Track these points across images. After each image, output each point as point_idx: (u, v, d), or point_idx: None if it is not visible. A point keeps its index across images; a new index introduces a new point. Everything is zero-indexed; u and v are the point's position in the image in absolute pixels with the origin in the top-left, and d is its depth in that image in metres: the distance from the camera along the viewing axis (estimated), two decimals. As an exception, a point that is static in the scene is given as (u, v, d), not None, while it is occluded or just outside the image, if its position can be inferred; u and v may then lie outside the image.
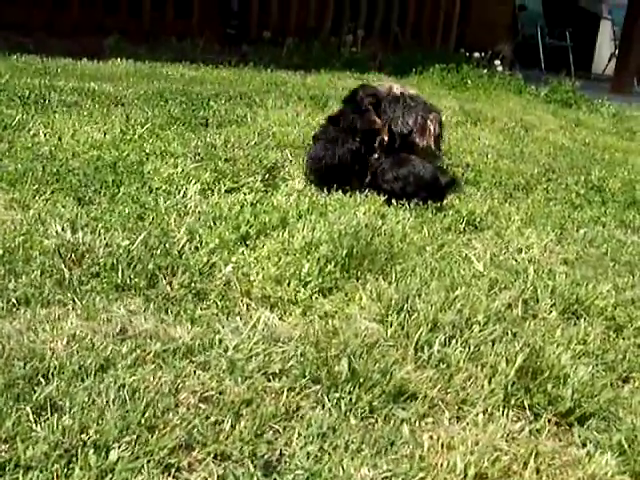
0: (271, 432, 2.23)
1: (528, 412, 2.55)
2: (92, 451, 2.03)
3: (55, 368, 2.34)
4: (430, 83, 9.27)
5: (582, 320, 3.24)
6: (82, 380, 2.31)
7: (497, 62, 10.62)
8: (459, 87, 9.33)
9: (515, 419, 2.50)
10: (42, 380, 2.28)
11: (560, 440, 2.47)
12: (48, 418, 2.12)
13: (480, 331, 2.89)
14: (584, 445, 2.45)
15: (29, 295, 2.75)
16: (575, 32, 15.13)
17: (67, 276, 2.88)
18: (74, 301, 2.74)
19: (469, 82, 9.54)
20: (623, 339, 3.18)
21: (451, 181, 4.46)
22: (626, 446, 2.45)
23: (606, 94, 11.37)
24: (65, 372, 2.33)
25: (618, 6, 15.33)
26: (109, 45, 7.80)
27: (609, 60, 15.86)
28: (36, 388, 2.24)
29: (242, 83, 7.07)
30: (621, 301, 3.50)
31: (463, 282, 3.32)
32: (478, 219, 4.20)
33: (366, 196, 4.22)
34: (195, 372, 2.42)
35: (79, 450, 2.03)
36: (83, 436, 2.08)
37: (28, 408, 2.14)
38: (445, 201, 4.38)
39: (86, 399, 2.22)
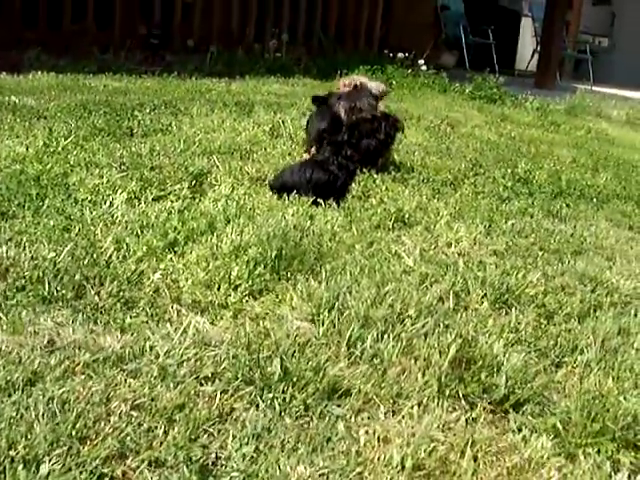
0: (205, 436, 2.21)
1: (463, 402, 2.56)
2: (21, 466, 1.99)
3: (-20, 390, 2.29)
4: (356, 85, 9.29)
5: (513, 309, 3.27)
6: (9, 395, 2.26)
7: (421, 62, 10.72)
8: (384, 88, 9.38)
9: (450, 409, 2.51)
10: (-34, 400, 2.23)
11: (496, 427, 2.49)
12: (-25, 438, 2.08)
13: (412, 325, 2.90)
14: (520, 430, 2.47)
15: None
16: (497, 30, 15.34)
17: (-9, 292, 2.82)
18: (-1, 316, 2.68)
19: (394, 82, 9.60)
20: (554, 325, 3.22)
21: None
22: (561, 428, 2.48)
23: (530, 89, 11.55)
24: (-9, 391, 2.28)
25: (537, 3, 15.59)
26: (29, 58, 7.67)
27: (532, 56, 16.12)
28: (-40, 407, 2.19)
29: (166, 92, 7.02)
30: (551, 288, 3.55)
31: (393, 278, 3.33)
32: (407, 215, 4.21)
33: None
34: (126, 380, 2.39)
35: (7, 466, 1.98)
36: (11, 452, 2.03)
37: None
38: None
39: (14, 414, 2.17)
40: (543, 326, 3.20)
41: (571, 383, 2.81)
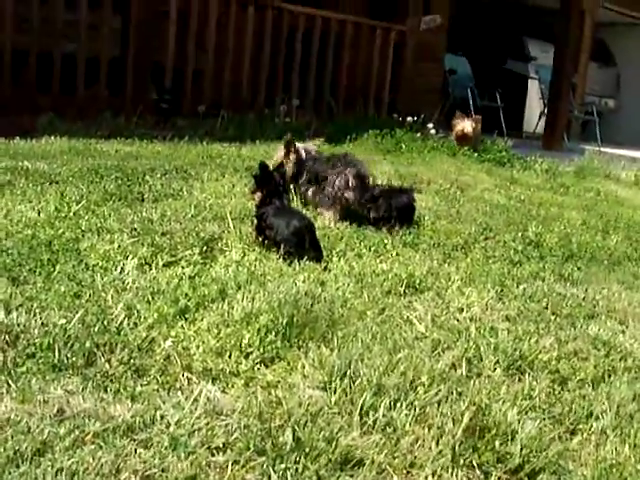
0: (217, 507, 2.19)
1: (477, 471, 2.53)
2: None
3: (-9, 450, 2.27)
4: (365, 149, 9.34)
5: (527, 375, 3.25)
6: (17, 466, 2.24)
7: (430, 125, 10.78)
8: (394, 151, 9.42)
9: (465, 479, 2.47)
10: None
11: (511, 500, 2.45)
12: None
13: (425, 392, 2.88)
14: (536, 503, 2.44)
15: (-37, 380, 2.68)
16: (505, 93, 15.47)
17: (1, 358, 2.81)
18: (9, 384, 2.67)
19: (403, 146, 9.64)
20: (568, 391, 3.20)
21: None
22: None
23: (538, 151, 11.60)
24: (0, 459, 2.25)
25: (544, 66, 15.74)
26: (42, 123, 7.74)
27: (539, 118, 16.22)
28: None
29: (177, 157, 7.05)
30: (564, 354, 3.53)
31: (405, 344, 3.31)
32: (418, 281, 4.20)
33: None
34: (136, 450, 2.36)
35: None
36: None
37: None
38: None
39: (21, 485, 2.15)
40: (557, 392, 3.18)
41: (587, 451, 2.78)
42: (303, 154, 5.74)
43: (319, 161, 5.74)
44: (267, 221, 4.43)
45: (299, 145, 5.85)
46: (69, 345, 2.93)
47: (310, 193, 5.61)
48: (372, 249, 4.71)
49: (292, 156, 5.69)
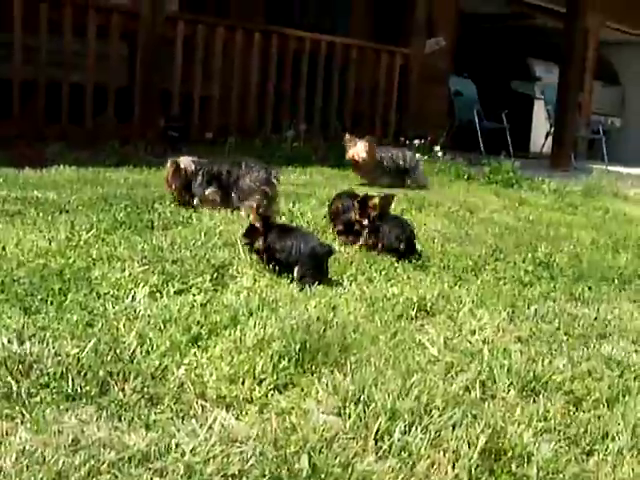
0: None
1: (494, 504, 2.52)
2: None
3: (4, 486, 2.27)
4: (373, 172, 9.36)
5: (541, 396, 3.23)
6: (32, 500, 2.24)
7: (437, 148, 10.81)
8: (402, 175, 9.44)
9: (484, 508, 2.47)
10: (-9, 500, 2.21)
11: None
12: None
13: (439, 416, 2.87)
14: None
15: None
16: (511, 114, 15.51)
17: (15, 389, 2.81)
18: (23, 414, 2.66)
19: (410, 169, 9.65)
20: (583, 412, 3.18)
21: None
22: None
23: (545, 171, 11.62)
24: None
25: (549, 86, 15.79)
26: (52, 153, 7.79)
27: (545, 138, 16.25)
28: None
29: (186, 183, 7.08)
30: (578, 374, 3.51)
31: (419, 368, 3.30)
32: (429, 304, 4.20)
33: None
34: (152, 479, 2.36)
35: None
36: None
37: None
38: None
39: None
40: (572, 413, 3.15)
41: (604, 472, 2.76)
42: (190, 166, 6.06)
43: (213, 165, 6.18)
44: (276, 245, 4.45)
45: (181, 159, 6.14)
46: (82, 374, 2.93)
47: (209, 191, 6.03)
48: (383, 273, 4.71)
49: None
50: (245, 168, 6.11)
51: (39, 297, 3.65)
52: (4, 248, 4.31)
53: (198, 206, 5.98)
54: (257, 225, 4.53)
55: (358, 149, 8.23)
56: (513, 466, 2.63)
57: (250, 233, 4.58)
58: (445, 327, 3.94)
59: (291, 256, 4.35)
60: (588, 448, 2.91)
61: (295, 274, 4.30)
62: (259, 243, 4.50)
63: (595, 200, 9.71)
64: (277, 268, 4.40)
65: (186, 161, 6.03)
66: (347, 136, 8.45)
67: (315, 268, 4.33)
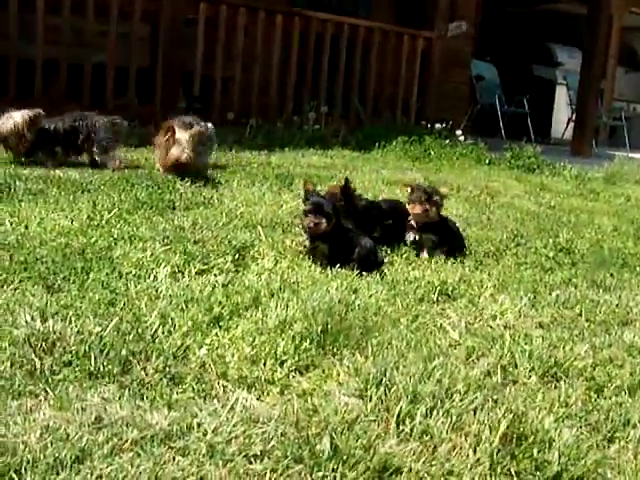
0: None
1: (516, 479, 2.51)
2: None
3: (28, 462, 2.27)
4: (393, 156, 9.34)
5: (562, 382, 3.22)
6: (57, 473, 2.25)
7: (458, 132, 10.76)
8: (422, 158, 9.42)
9: (503, 487, 2.46)
10: (15, 476, 2.21)
11: (550, 508, 2.43)
12: None
13: (461, 400, 2.86)
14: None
15: (-1, 384, 2.70)
16: (532, 99, 15.42)
17: (38, 366, 2.82)
18: (46, 391, 2.68)
19: (432, 153, 9.62)
20: (605, 399, 3.16)
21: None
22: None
23: (567, 157, 11.54)
24: (39, 466, 2.26)
25: (572, 72, 15.67)
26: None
27: (567, 124, 16.15)
28: (8, 484, 2.18)
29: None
30: (599, 361, 3.50)
31: (440, 352, 3.30)
32: (451, 288, 4.19)
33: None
34: (174, 458, 2.36)
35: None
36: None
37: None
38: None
39: (63, 493, 2.16)
40: (593, 400, 3.14)
41: (625, 459, 2.75)
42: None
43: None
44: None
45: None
46: (105, 353, 2.94)
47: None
48: (404, 257, 4.71)
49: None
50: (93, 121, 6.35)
51: (62, 276, 3.67)
52: (27, 227, 4.33)
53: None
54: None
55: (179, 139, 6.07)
56: (534, 451, 2.62)
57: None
58: (466, 311, 3.93)
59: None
60: (609, 435, 2.90)
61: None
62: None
63: (617, 187, 9.64)
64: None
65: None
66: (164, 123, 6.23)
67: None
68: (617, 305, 4.38)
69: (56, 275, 3.66)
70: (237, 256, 4.25)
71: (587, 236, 6.10)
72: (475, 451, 2.58)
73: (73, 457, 2.32)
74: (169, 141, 5.95)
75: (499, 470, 2.52)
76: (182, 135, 5.95)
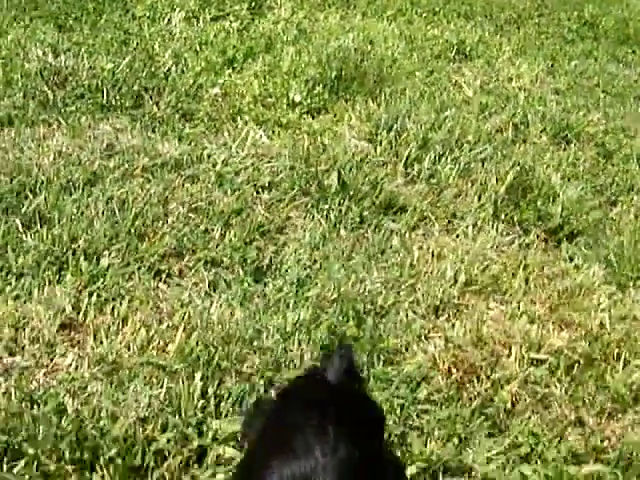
0: (262, 241, 2.24)
1: (517, 227, 2.56)
2: (83, 258, 2.03)
3: (42, 183, 2.32)
4: None
5: (572, 145, 3.23)
6: (70, 194, 2.30)
7: None
8: None
9: (505, 233, 2.50)
10: (29, 194, 2.26)
11: (549, 254, 2.48)
12: (38, 230, 2.12)
13: (470, 150, 2.88)
14: (572, 259, 2.47)
15: (12, 116, 2.71)
16: None
17: (51, 97, 2.84)
18: (59, 121, 2.70)
19: None
20: (612, 165, 3.18)
21: None
22: (614, 260, 2.47)
23: None
24: (53, 186, 2.31)
25: None
26: None
27: None
28: (24, 202, 2.22)
29: None
30: (611, 129, 3.49)
31: (453, 105, 3.28)
32: (468, 48, 4.12)
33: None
34: (184, 185, 2.41)
35: (69, 258, 2.03)
36: (73, 245, 2.07)
37: (17, 220, 2.13)
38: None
39: (75, 211, 2.21)
40: (601, 164, 3.16)
41: (625, 221, 2.78)
42: None
43: None
44: None
45: None
46: (117, 88, 2.94)
47: None
48: (423, 16, 4.60)
49: None
50: None
51: (73, 16, 3.62)
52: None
53: None
54: None
55: None
56: (538, 203, 2.66)
57: None
58: (482, 71, 3.88)
59: None
60: (613, 198, 2.94)
61: None
62: None
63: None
64: None
65: None
66: None
67: None
68: (635, 81, 4.32)
69: (68, 15, 3.62)
70: (253, 4, 4.15)
71: (614, 13, 5.90)
72: (480, 197, 2.62)
73: (85, 180, 2.36)
74: None
75: (502, 217, 2.57)
76: None
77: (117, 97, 2.89)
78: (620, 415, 1.89)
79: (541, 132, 3.26)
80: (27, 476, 1.46)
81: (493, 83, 3.73)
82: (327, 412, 1.16)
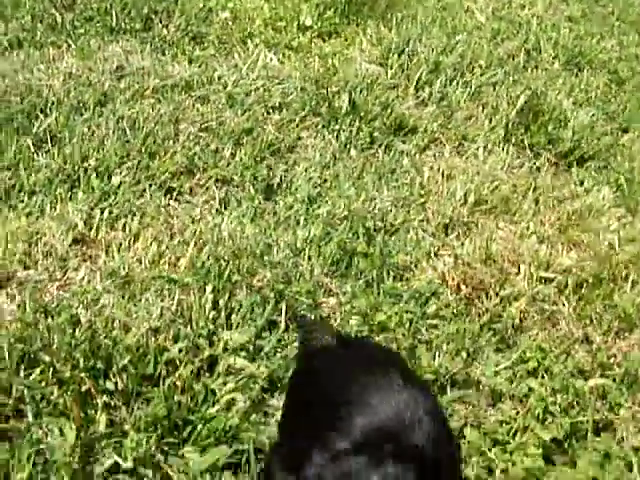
0: (272, 159, 2.24)
1: (528, 151, 2.55)
2: (94, 176, 2.04)
3: (53, 103, 2.31)
4: None
5: (585, 71, 3.20)
6: (81, 114, 2.30)
7: None
8: None
9: (515, 156, 2.50)
10: (40, 114, 2.26)
11: (559, 178, 2.48)
12: (49, 149, 2.12)
13: (481, 74, 2.86)
14: (582, 183, 2.47)
15: (21, 38, 2.70)
16: None
17: (59, 20, 2.82)
18: (68, 43, 2.69)
19: None
20: (625, 92, 3.15)
21: None
22: (624, 184, 2.48)
23: None
24: (63, 106, 2.30)
25: None
26: None
27: None
28: (35, 122, 2.22)
29: None
30: (625, 56, 3.45)
31: (465, 30, 3.25)
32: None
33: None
34: (194, 105, 2.41)
35: (81, 176, 2.04)
36: (85, 164, 2.08)
37: (29, 140, 2.14)
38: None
39: (86, 130, 2.21)
40: (613, 91, 3.14)
41: (636, 148, 2.78)
42: None
43: None
44: None
45: None
46: (126, 11, 2.92)
47: None
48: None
49: None
50: None
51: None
52: None
53: None
54: None
55: None
56: (549, 127, 2.65)
57: None
58: (494, -1, 3.84)
59: None
60: (625, 125, 2.92)
61: None
62: None
63: None
64: None
65: None
66: None
67: None
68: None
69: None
70: None
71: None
72: (491, 121, 2.61)
73: (96, 100, 2.36)
74: None
75: (513, 140, 2.56)
76: None
77: (126, 20, 2.87)
78: (627, 334, 1.88)
79: (553, 58, 3.23)
80: (43, 382, 1.48)
81: (505, 10, 3.68)
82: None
